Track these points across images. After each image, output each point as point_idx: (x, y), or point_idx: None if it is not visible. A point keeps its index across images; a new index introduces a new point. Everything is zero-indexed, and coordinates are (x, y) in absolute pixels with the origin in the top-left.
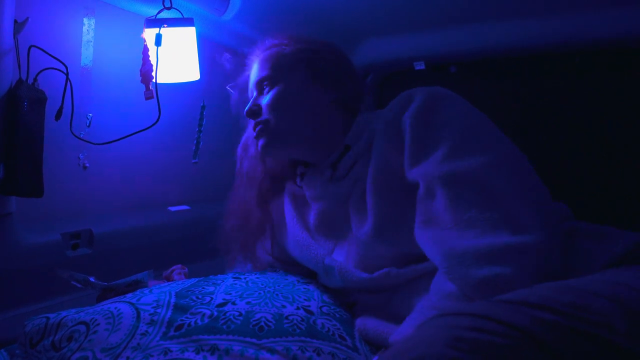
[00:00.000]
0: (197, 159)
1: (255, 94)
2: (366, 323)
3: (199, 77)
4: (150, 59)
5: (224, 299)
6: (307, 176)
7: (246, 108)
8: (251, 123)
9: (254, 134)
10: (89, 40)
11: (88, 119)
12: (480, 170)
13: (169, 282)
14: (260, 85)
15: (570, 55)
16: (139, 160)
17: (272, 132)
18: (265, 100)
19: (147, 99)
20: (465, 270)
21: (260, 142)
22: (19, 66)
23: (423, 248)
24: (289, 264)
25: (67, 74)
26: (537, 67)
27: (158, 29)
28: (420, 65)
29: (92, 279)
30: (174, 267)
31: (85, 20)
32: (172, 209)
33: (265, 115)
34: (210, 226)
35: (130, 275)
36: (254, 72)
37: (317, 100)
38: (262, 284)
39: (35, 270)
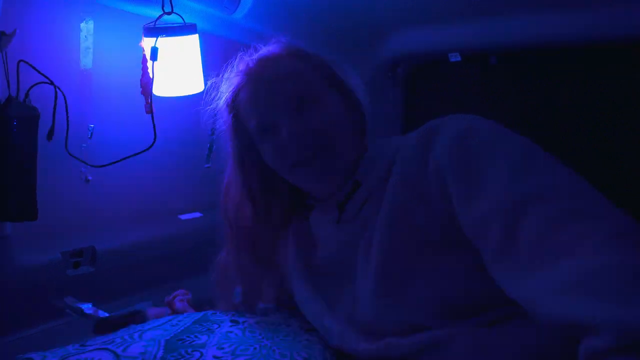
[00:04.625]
0: (210, 164)
1: (284, 113)
2: None
3: (203, 88)
4: (149, 70)
5: (214, 357)
6: (313, 213)
7: (288, 130)
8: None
9: (297, 159)
10: (87, 47)
11: (89, 130)
12: (559, 185)
13: (163, 322)
14: (295, 102)
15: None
16: (146, 167)
17: (334, 156)
18: (312, 120)
19: (147, 112)
20: (614, 308)
21: (320, 168)
22: (8, 82)
23: (513, 294)
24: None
25: (56, 89)
26: (589, 61)
27: (155, 39)
28: (455, 57)
29: (87, 310)
30: (176, 293)
31: (82, 25)
32: (183, 217)
33: (320, 138)
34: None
35: (133, 294)
36: (275, 88)
37: (346, 122)
38: (259, 335)
39: (33, 292)
